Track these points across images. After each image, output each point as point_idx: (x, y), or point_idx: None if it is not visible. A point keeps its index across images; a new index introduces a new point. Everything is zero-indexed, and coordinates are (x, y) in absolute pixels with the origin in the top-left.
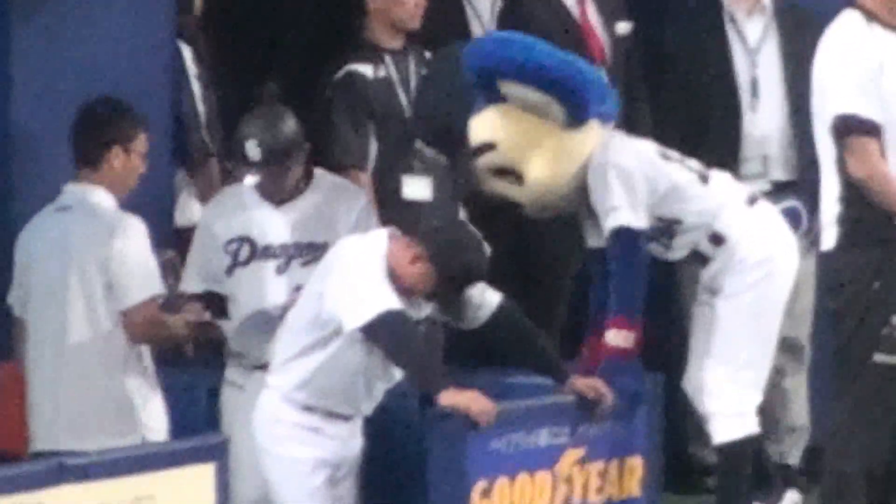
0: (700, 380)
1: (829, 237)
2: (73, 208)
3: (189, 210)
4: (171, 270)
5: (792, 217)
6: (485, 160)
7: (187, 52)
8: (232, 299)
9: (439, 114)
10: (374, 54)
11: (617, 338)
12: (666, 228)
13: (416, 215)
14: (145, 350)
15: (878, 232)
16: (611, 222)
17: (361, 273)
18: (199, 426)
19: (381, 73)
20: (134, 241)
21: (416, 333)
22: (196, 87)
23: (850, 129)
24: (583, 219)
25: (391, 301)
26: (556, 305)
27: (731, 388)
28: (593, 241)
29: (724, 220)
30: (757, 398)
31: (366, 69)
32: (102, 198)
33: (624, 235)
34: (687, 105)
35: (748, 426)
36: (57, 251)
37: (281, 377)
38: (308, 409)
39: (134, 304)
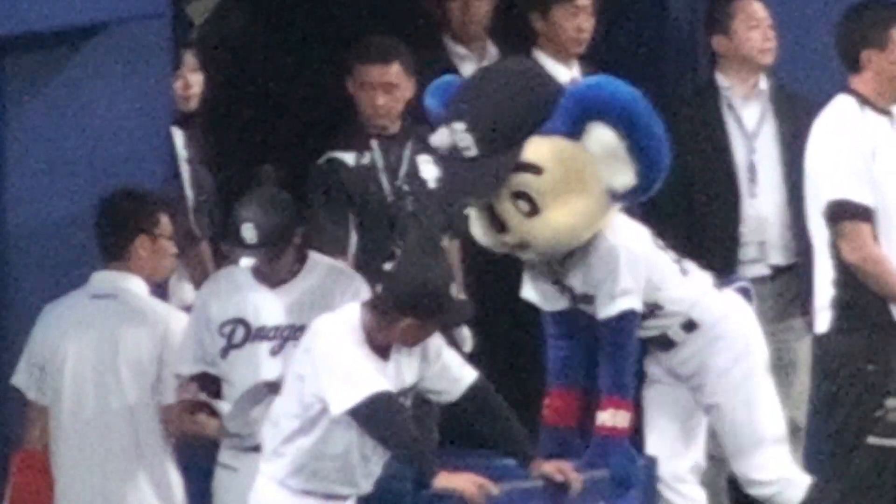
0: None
1: (824, 321)
2: (117, 298)
3: (180, 292)
4: None
5: (744, 295)
6: (521, 179)
7: (178, 136)
8: (226, 381)
9: (493, 110)
10: (360, 140)
11: (614, 418)
12: (647, 313)
13: None
14: None
15: (872, 315)
16: (619, 305)
17: (342, 352)
18: None
19: (365, 160)
20: None
21: (405, 415)
22: (185, 170)
23: (844, 213)
24: (540, 281)
25: (377, 383)
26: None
27: (762, 461)
28: (549, 305)
29: (700, 309)
30: (787, 453)
31: (347, 157)
32: (140, 287)
33: (628, 319)
34: (685, 190)
35: (801, 481)
36: (102, 340)
37: (274, 464)
38: (306, 493)
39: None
